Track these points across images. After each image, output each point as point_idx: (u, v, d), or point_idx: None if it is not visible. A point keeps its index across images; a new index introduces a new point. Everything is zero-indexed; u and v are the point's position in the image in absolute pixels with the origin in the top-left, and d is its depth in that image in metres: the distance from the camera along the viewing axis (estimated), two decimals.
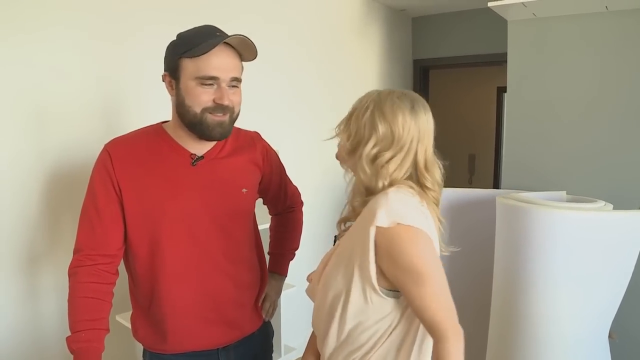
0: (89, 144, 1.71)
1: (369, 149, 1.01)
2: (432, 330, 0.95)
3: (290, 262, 1.58)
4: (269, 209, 1.57)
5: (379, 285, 0.98)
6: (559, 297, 1.72)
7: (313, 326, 1.14)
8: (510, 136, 2.62)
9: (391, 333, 1.01)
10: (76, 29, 1.75)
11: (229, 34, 1.20)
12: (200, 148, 1.24)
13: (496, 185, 4.87)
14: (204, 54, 1.11)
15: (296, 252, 1.59)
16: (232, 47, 1.17)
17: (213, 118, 1.16)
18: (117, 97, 1.91)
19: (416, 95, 1.06)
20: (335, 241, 1.16)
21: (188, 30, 1.20)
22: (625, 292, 1.76)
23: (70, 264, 1.19)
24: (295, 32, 2.82)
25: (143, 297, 1.25)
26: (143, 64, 1.92)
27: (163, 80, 1.22)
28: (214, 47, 1.12)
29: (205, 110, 1.15)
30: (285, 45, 2.75)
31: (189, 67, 1.14)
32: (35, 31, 1.63)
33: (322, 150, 3.02)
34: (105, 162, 1.18)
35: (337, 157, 1.12)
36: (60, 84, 1.72)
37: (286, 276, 1.57)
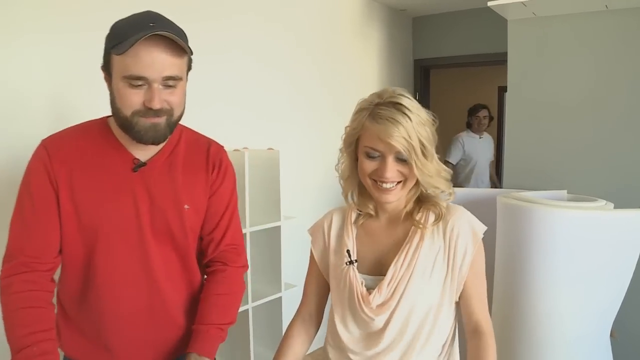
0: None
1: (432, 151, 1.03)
2: (477, 326, 1.03)
3: (220, 344, 1.15)
4: (200, 255, 1.25)
5: None
6: (560, 296, 1.72)
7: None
8: (512, 136, 2.62)
9: (453, 335, 1.08)
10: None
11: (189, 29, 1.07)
12: (144, 153, 1.11)
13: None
14: (129, 48, 0.95)
15: (229, 328, 1.18)
16: (172, 40, 1.00)
17: (145, 121, 1.02)
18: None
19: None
20: (349, 255, 1.09)
21: (124, 19, 1.03)
22: (627, 291, 1.76)
23: (1, 274, 1.04)
24: (296, 32, 2.82)
25: (72, 305, 1.13)
26: None
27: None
28: (136, 42, 0.95)
29: (135, 113, 1.01)
30: (287, 45, 2.76)
31: (118, 64, 0.99)
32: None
33: (325, 149, 3.02)
34: (42, 158, 1.06)
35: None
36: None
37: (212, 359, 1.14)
